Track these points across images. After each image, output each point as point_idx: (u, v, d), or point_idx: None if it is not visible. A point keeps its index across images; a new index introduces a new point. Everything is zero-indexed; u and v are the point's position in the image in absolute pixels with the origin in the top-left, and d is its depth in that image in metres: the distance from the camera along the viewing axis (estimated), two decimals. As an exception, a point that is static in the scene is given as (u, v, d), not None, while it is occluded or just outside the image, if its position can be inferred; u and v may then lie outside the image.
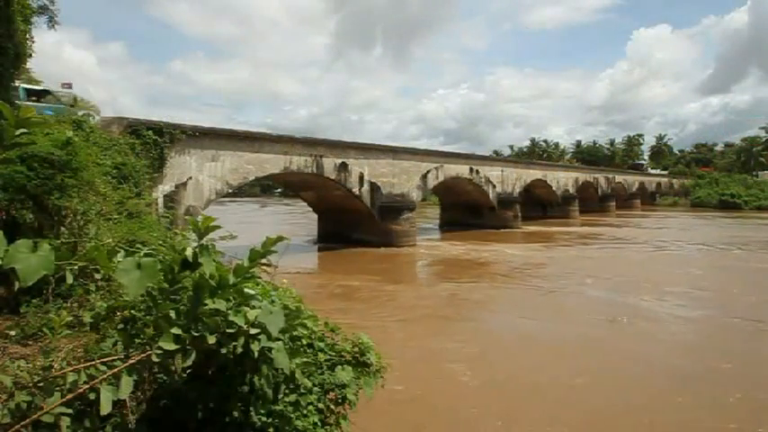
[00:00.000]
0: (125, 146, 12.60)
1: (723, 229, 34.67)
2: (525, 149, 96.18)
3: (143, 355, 1.88)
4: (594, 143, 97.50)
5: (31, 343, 2.78)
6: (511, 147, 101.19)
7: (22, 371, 1.87)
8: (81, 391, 1.76)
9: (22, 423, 1.63)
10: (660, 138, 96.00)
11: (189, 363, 1.94)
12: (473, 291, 14.85)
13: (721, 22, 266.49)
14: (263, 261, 2.21)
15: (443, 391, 7.43)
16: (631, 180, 60.46)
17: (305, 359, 2.71)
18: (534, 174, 38.65)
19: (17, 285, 1.48)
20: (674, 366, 8.45)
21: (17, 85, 15.56)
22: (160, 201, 14.92)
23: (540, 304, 13.09)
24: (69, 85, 16.59)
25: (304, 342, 2.79)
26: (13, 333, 2.88)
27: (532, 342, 9.85)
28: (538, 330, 10.67)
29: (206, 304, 1.96)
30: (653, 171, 75.38)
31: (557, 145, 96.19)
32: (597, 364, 8.55)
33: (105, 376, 1.80)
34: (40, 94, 15.82)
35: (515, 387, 7.60)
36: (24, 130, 1.68)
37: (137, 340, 2.11)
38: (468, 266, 19.25)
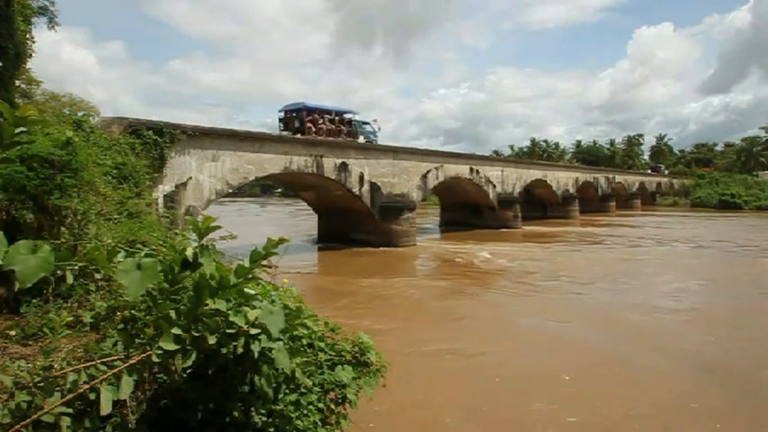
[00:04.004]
0: (125, 146, 12.59)
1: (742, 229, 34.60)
2: (525, 149, 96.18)
3: (143, 356, 1.88)
4: (595, 143, 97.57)
5: (31, 343, 2.78)
6: (511, 147, 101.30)
7: (22, 371, 1.87)
8: (81, 391, 1.76)
9: (23, 423, 1.63)
10: (660, 138, 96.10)
11: (189, 363, 1.94)
12: (473, 293, 14.85)
13: (724, 21, 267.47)
14: (264, 262, 2.21)
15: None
16: (631, 180, 60.46)
17: (305, 359, 2.71)
18: (534, 174, 38.64)
19: (17, 285, 1.47)
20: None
21: (355, 117, 27.30)
22: (160, 201, 14.91)
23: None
24: (376, 120, 29.04)
25: (304, 342, 2.79)
26: (13, 333, 2.88)
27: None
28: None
29: (206, 304, 1.96)
30: (648, 171, 75.52)
31: (557, 145, 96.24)
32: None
33: (105, 376, 1.80)
34: (367, 124, 27.79)
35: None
36: (23, 129, 1.67)
37: (137, 340, 2.11)
38: (469, 268, 19.23)
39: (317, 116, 24.69)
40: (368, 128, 27.61)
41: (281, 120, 25.48)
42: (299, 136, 22.04)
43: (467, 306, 13.13)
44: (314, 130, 24.04)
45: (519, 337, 10.24)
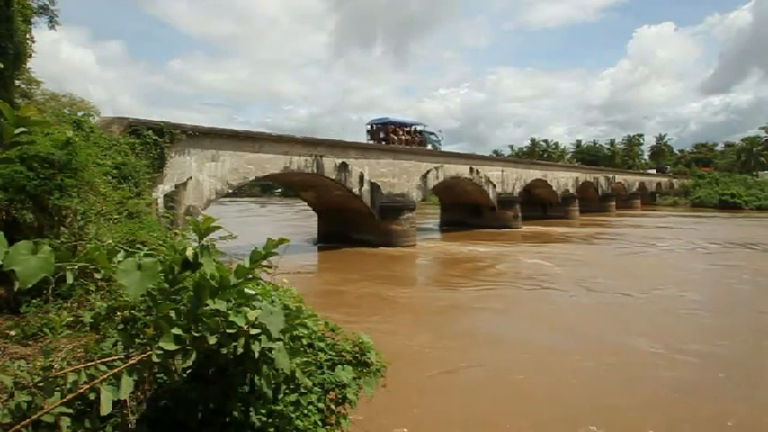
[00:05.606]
0: (125, 146, 12.58)
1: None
2: (525, 149, 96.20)
3: (143, 356, 1.88)
4: (595, 143, 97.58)
5: (31, 343, 2.78)
6: (511, 147, 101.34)
7: (22, 371, 1.87)
8: (81, 391, 1.76)
9: (23, 423, 1.63)
10: (660, 138, 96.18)
11: (189, 363, 1.94)
12: (473, 293, 14.84)
13: (724, 20, 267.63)
14: (264, 262, 2.21)
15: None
16: (631, 180, 60.45)
17: (305, 359, 2.71)
18: (534, 174, 38.62)
19: (17, 286, 1.47)
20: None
21: (425, 128, 33.60)
22: (160, 201, 14.91)
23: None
24: (441, 131, 35.51)
25: (304, 342, 2.79)
26: (13, 333, 2.88)
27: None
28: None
29: (206, 304, 1.96)
30: (651, 171, 75.73)
31: (557, 145, 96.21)
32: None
33: (105, 376, 1.80)
34: (433, 134, 33.62)
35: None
36: (24, 130, 1.67)
37: (137, 340, 2.11)
38: (472, 268, 19.23)
39: (397, 129, 29.84)
40: (433, 137, 33.62)
41: (368, 131, 30.62)
42: (297, 136, 22.22)
43: (510, 315, 12.04)
44: (395, 139, 28.85)
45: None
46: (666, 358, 8.67)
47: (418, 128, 32.50)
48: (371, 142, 28.49)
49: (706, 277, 17.11)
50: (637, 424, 6.32)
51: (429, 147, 31.88)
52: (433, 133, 33.97)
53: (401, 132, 29.95)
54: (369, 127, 30.92)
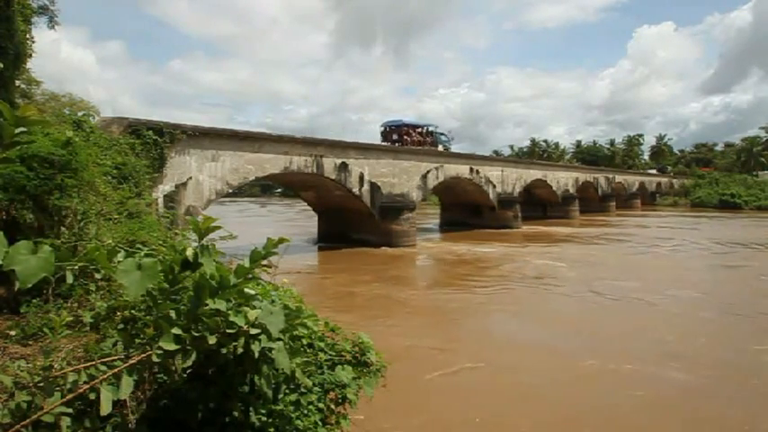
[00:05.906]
0: (125, 146, 12.58)
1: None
2: (525, 149, 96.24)
3: (143, 356, 1.88)
4: (595, 143, 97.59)
5: (31, 343, 2.78)
6: (511, 147, 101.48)
7: (22, 371, 1.87)
8: (81, 391, 1.76)
9: (23, 423, 1.63)
10: (660, 138, 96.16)
11: (189, 363, 1.94)
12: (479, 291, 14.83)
13: (725, 20, 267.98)
14: (264, 262, 2.21)
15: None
16: (631, 180, 60.43)
17: (305, 359, 2.71)
18: (534, 174, 38.62)
19: (17, 286, 1.47)
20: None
21: (436, 129, 35.17)
22: (160, 201, 14.90)
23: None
24: (450, 131, 37.41)
25: (304, 342, 2.79)
26: (13, 333, 2.88)
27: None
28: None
29: (206, 304, 1.96)
30: (651, 171, 75.76)
31: (557, 145, 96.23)
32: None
33: (105, 376, 1.80)
34: (443, 134, 35.34)
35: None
36: (23, 129, 1.67)
37: (137, 340, 2.11)
38: (477, 269, 19.21)
39: (410, 130, 31.63)
40: (443, 138, 35.63)
41: (382, 133, 32.04)
42: (297, 136, 22.24)
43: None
44: (408, 141, 30.58)
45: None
46: (680, 362, 8.40)
47: (429, 129, 34.15)
48: (385, 143, 29.51)
49: (718, 278, 16.99)
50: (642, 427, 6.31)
51: (440, 147, 33.15)
52: (443, 134, 35.97)
53: (414, 134, 31.61)
54: (382, 129, 32.21)
